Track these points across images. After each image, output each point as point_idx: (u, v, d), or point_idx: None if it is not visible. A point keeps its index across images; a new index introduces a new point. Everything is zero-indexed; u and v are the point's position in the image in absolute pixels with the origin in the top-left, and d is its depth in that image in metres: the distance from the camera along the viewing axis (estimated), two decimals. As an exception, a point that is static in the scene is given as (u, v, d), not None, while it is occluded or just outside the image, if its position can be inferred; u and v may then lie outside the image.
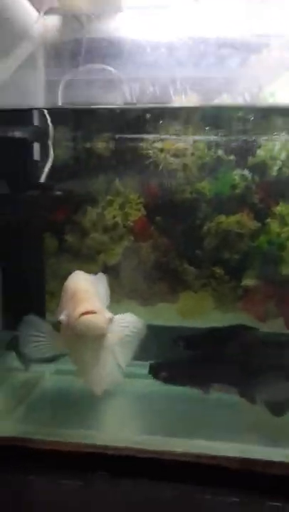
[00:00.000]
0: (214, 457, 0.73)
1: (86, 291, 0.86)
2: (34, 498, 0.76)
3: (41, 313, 1.21)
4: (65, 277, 1.25)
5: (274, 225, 1.21)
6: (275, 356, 0.88)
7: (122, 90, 1.24)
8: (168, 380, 0.93)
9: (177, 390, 0.97)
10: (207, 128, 1.18)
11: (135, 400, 0.99)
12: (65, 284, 0.95)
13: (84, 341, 0.83)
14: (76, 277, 0.96)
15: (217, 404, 0.90)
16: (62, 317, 0.84)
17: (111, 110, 1.19)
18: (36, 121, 1.15)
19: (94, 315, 0.81)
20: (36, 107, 1.14)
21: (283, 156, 1.17)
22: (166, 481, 0.74)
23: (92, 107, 1.14)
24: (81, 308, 0.80)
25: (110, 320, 0.85)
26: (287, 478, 0.72)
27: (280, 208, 1.20)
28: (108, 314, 0.84)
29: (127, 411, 0.95)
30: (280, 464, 0.73)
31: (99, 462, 0.76)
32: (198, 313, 1.25)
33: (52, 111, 1.14)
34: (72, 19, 1.27)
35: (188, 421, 0.87)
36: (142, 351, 1.13)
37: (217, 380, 0.88)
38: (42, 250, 1.22)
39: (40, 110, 1.17)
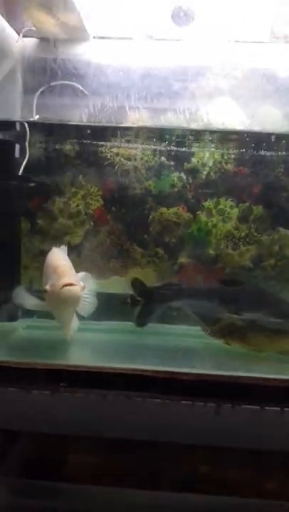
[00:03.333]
0: (144, 370, 1.04)
1: (65, 267, 1.12)
2: (11, 405, 1.03)
3: (17, 282, 1.45)
4: (36, 254, 1.51)
5: (203, 217, 1.46)
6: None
7: (86, 103, 1.53)
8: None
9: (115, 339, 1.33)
10: (154, 140, 1.47)
11: (90, 345, 1.28)
12: (47, 259, 1.20)
13: (65, 304, 1.10)
14: (56, 254, 1.20)
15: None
16: (48, 287, 1.08)
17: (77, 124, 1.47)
18: (17, 126, 1.40)
19: (73, 286, 1.06)
20: (16, 119, 1.40)
21: (210, 163, 1.47)
22: (108, 389, 1.03)
23: (60, 122, 1.41)
24: (63, 281, 1.06)
25: (83, 288, 1.12)
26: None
27: (207, 203, 1.46)
28: (82, 284, 1.11)
29: (83, 351, 1.24)
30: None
31: (61, 376, 1.03)
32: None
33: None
34: (46, 42, 1.54)
35: (123, 354, 1.21)
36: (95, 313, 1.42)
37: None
38: (19, 231, 1.46)
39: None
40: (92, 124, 1.43)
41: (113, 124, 1.41)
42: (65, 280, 1.06)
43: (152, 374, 1.05)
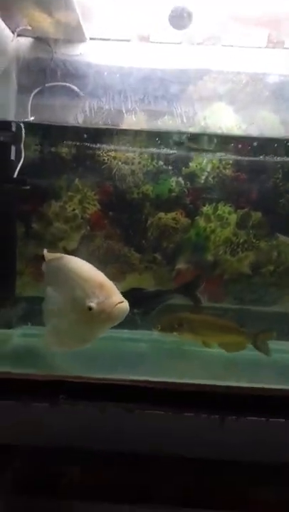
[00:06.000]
0: (144, 381, 1.02)
1: (110, 282, 1.01)
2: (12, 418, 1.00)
3: (12, 289, 1.42)
4: (31, 260, 1.48)
5: (201, 222, 1.47)
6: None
7: (82, 105, 1.50)
8: None
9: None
10: (152, 143, 1.46)
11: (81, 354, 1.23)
12: (69, 269, 1.08)
13: (112, 322, 1.00)
14: (86, 265, 1.08)
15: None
16: (93, 305, 0.97)
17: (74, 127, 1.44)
18: (12, 128, 1.37)
19: (125, 303, 0.98)
20: (12, 119, 1.37)
21: (209, 168, 1.47)
22: (106, 400, 1.00)
23: (56, 124, 1.38)
24: (115, 299, 0.97)
25: None
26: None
27: (205, 208, 1.46)
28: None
29: (78, 361, 1.20)
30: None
31: (60, 388, 1.01)
32: (141, 290, 1.52)
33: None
34: (42, 41, 1.51)
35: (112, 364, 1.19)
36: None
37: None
38: (16, 235, 1.43)
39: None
40: (89, 126, 1.40)
41: (110, 127, 1.38)
42: (117, 298, 0.98)
43: (153, 385, 1.03)
